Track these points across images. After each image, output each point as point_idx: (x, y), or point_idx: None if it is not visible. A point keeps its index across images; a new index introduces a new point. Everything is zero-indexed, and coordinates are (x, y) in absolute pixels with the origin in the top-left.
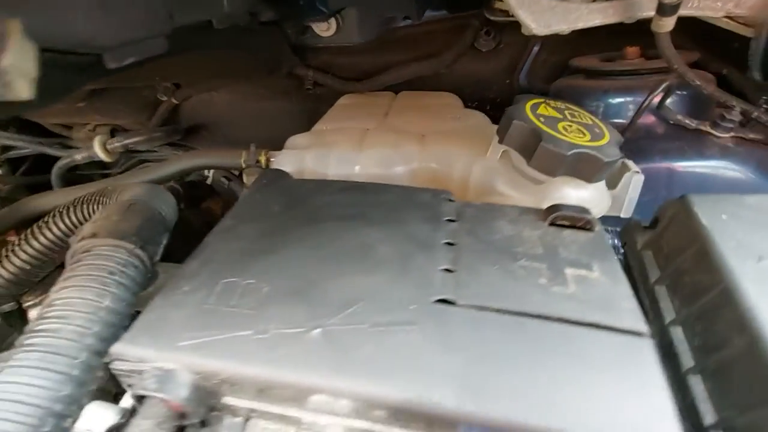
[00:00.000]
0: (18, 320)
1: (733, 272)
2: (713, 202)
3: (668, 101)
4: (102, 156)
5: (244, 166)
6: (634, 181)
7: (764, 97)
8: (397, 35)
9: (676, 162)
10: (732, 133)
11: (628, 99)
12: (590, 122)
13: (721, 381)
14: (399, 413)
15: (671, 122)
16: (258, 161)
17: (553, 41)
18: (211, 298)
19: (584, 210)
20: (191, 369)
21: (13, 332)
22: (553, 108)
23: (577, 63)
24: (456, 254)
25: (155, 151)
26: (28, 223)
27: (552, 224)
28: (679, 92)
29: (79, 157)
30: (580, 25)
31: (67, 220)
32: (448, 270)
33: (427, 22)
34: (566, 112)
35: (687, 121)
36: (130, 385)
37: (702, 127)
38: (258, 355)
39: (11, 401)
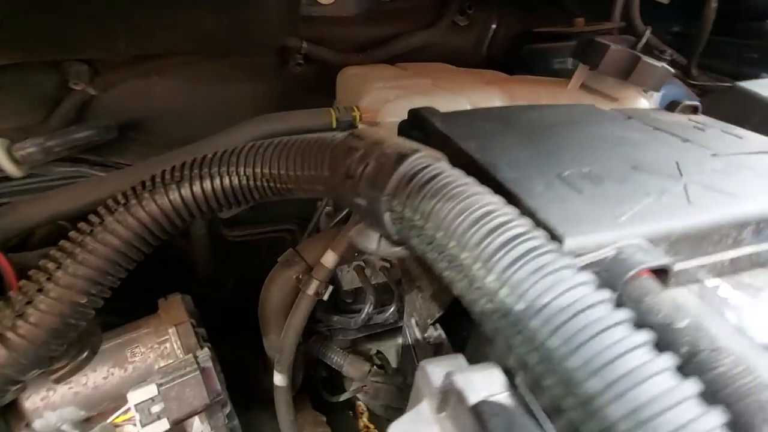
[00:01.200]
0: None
1: None
2: (755, 85)
3: None
4: (8, 168)
5: (335, 125)
6: (656, 95)
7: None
8: (388, 7)
9: None
10: None
11: None
12: None
13: None
14: None
15: None
16: (353, 117)
17: (506, 21)
18: (574, 186)
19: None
20: (648, 238)
21: None
22: None
23: (541, 30)
24: (668, 134)
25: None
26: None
27: (680, 112)
28: None
29: None
30: None
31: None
32: (685, 140)
33: None
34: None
35: None
36: None
37: None
38: (688, 210)
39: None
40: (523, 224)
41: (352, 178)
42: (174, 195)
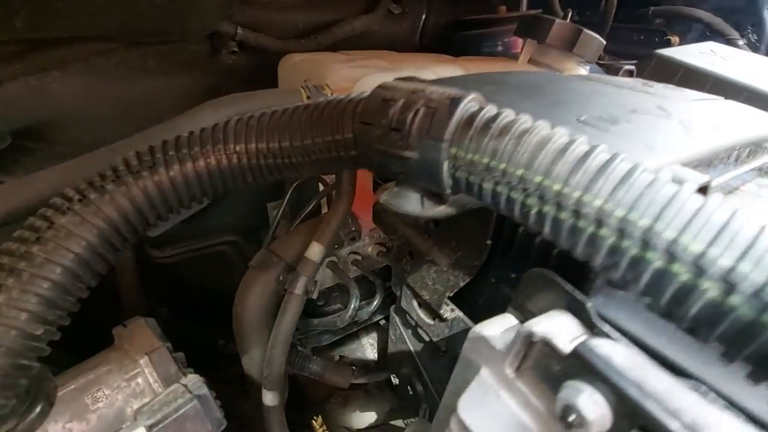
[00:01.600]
0: None
1: (714, 69)
2: (671, 52)
3: None
4: None
5: None
6: (588, 68)
7: None
8: None
9: None
10: None
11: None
12: None
13: None
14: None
15: None
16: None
17: (435, 10)
18: (597, 127)
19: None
20: (681, 163)
21: None
22: None
23: (468, 19)
24: (630, 90)
25: None
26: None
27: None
28: None
29: None
30: None
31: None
32: (646, 93)
33: None
34: None
35: None
36: None
37: None
38: (695, 140)
39: None
40: (605, 149)
41: (399, 130)
42: (146, 183)
